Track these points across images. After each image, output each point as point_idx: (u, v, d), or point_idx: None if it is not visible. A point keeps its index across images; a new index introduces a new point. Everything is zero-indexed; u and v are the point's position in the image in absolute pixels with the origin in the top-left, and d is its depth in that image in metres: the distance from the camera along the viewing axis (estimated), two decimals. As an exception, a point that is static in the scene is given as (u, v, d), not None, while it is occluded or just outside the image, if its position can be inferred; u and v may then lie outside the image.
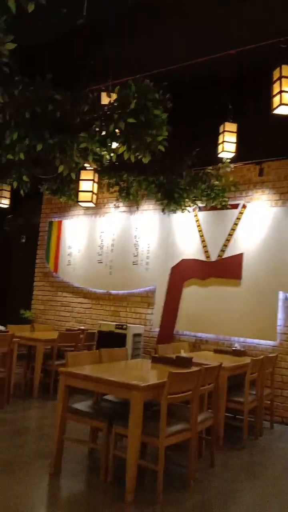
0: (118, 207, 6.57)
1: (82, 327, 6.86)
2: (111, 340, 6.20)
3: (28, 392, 5.68)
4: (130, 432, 2.98)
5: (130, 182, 5.11)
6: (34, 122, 3.11)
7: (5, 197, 7.01)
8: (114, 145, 3.45)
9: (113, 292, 7.22)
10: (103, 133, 3.33)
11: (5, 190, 6.96)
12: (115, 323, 6.47)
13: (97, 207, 7.20)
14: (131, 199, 5.59)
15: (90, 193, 4.79)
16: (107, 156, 3.57)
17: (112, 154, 3.53)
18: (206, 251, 6.37)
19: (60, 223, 8.09)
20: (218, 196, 5.55)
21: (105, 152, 3.47)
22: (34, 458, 3.60)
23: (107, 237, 7.41)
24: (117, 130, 3.24)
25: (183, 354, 4.22)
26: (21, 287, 8.55)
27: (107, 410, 3.46)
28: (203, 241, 6.41)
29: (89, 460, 3.71)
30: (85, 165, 4.52)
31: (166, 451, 3.04)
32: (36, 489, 3.10)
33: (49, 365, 5.72)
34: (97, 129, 3.34)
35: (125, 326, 6.30)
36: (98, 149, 3.42)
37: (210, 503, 3.07)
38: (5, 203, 7.07)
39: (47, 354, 5.77)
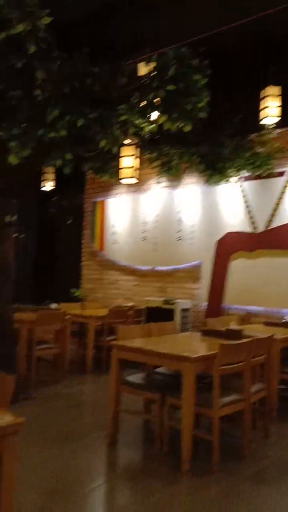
0: (160, 182, 6.49)
1: (130, 304, 6.95)
2: (159, 315, 6.23)
3: (81, 367, 5.87)
4: (184, 403, 3.00)
5: (171, 155, 5.02)
6: (73, 97, 3.11)
7: (50, 180, 7.14)
8: (154, 116, 3.38)
9: (159, 268, 7.23)
10: (143, 103, 3.27)
11: (49, 173, 7.08)
12: (162, 299, 6.49)
13: (139, 184, 7.17)
14: (173, 173, 5.49)
15: (132, 169, 4.76)
16: (147, 128, 3.50)
17: (153, 125, 3.46)
18: (252, 222, 6.20)
19: (103, 202, 8.15)
20: (263, 164, 5.34)
21: (145, 124, 3.41)
22: (91, 430, 3.73)
23: (150, 213, 7.38)
24: (156, 100, 3.16)
25: (233, 326, 4.17)
26: (70, 267, 8.75)
27: (160, 382, 3.50)
28: (249, 212, 6.24)
29: (143, 431, 3.80)
30: (126, 141, 4.49)
31: (220, 422, 3.04)
32: (95, 458, 3.22)
33: (100, 341, 5.87)
34: (136, 101, 3.28)
35: (172, 301, 6.32)
36: (138, 121, 3.37)
37: (266, 473, 3.06)
38: (50, 185, 7.21)
39: (97, 331, 5.92)
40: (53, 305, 5.70)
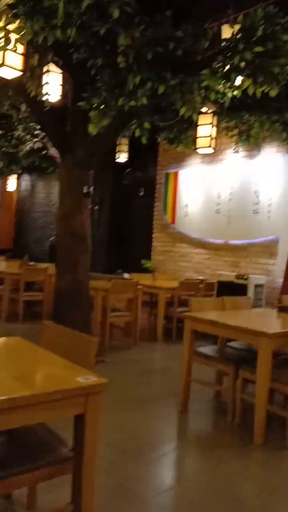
0: (237, 152, 6.25)
1: (201, 277, 6.91)
2: (231, 290, 6.13)
3: (151, 336, 5.99)
4: (259, 378, 2.96)
5: (251, 123, 4.78)
6: (155, 63, 3.03)
7: (124, 151, 7.18)
8: (238, 80, 3.22)
9: (232, 242, 7.07)
10: (227, 68, 3.12)
11: (123, 144, 7.12)
12: (234, 273, 6.37)
13: (214, 154, 6.97)
14: (252, 141, 5.25)
15: (209, 138, 4.63)
16: (229, 94, 3.35)
17: (236, 91, 3.30)
18: None
19: (176, 174, 8.06)
20: None
21: (228, 90, 3.26)
22: (163, 396, 3.82)
23: (225, 185, 7.18)
24: (242, 63, 2.99)
25: (312, 304, 4.00)
26: (141, 239, 8.86)
27: (233, 356, 3.48)
28: None
29: (215, 402, 3.82)
30: (203, 110, 4.35)
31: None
32: (166, 424, 3.30)
33: (170, 311, 5.93)
34: (219, 65, 3.14)
35: (246, 276, 6.17)
36: (220, 86, 3.22)
37: None
38: (124, 157, 7.26)
39: (167, 302, 5.98)
40: (126, 275, 5.83)
